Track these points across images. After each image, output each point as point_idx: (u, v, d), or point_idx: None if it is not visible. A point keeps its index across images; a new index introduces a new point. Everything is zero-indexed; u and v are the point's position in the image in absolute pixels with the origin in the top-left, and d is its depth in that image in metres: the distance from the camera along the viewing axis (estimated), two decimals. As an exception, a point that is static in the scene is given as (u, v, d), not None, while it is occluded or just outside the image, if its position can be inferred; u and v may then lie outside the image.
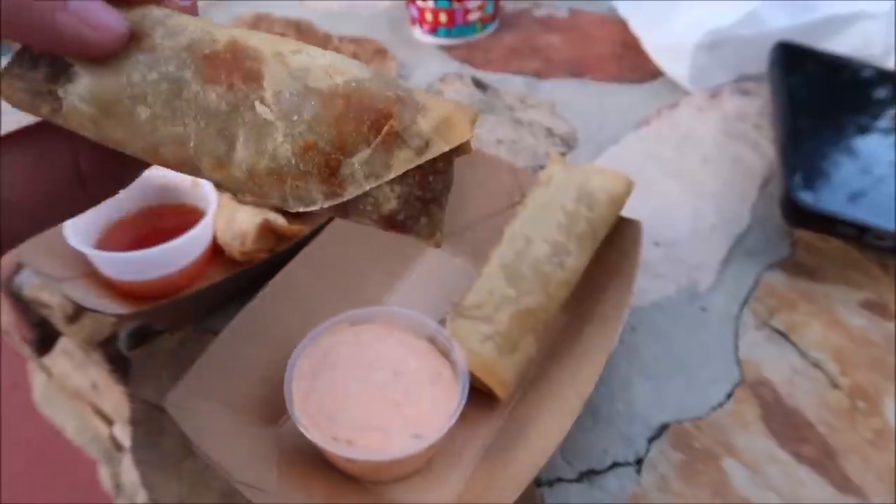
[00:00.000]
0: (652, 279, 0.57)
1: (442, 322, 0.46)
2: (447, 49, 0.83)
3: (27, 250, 0.51)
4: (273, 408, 0.45)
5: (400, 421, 0.41)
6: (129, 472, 1.00)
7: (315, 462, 0.43)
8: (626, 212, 0.52)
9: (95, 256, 0.50)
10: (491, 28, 0.86)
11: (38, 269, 0.49)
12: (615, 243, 0.51)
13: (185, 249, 0.51)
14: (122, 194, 0.50)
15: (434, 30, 0.83)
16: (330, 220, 0.52)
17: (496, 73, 0.78)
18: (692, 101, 0.75)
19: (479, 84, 0.75)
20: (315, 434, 0.39)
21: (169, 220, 0.57)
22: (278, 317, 0.47)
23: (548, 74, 0.77)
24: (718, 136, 0.71)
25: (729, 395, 0.49)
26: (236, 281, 0.50)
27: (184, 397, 0.41)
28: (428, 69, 0.79)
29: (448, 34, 0.83)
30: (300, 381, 0.42)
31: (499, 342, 0.45)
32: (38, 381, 1.14)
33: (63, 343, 0.71)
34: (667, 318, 0.54)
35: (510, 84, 0.76)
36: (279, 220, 0.53)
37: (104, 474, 1.29)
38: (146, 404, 0.48)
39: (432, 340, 0.45)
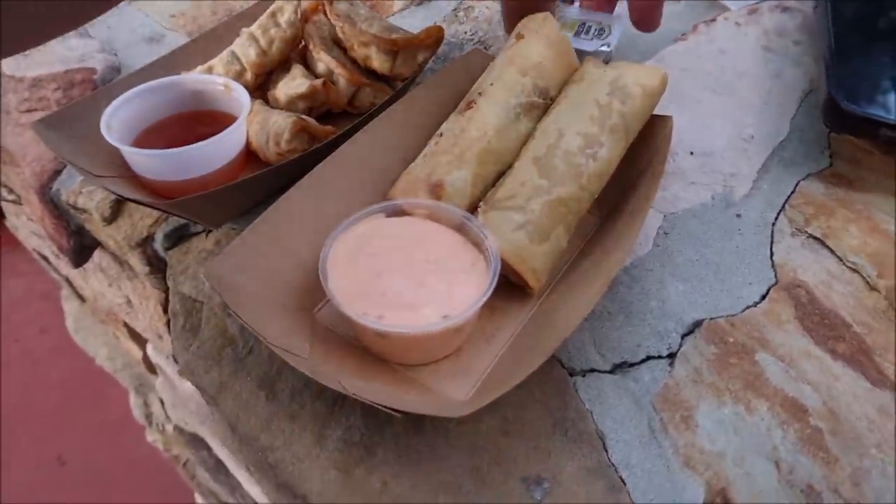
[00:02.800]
0: (686, 187, 0.56)
1: (475, 216, 0.46)
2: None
3: (66, 151, 0.51)
4: (307, 295, 0.46)
5: (430, 302, 0.41)
6: (163, 391, 1.03)
7: (347, 346, 0.44)
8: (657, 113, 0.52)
9: (132, 154, 0.51)
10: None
11: (78, 167, 0.49)
12: (647, 140, 0.50)
13: (219, 149, 0.52)
14: (156, 99, 0.51)
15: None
16: (360, 123, 0.52)
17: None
18: (730, 17, 0.73)
19: None
20: (348, 308, 0.39)
21: (202, 125, 0.57)
22: (314, 207, 0.47)
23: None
24: (757, 51, 0.69)
25: (763, 297, 0.49)
26: (270, 178, 0.50)
27: (224, 270, 0.42)
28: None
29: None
30: (335, 262, 0.43)
31: (530, 230, 0.44)
32: (70, 307, 1.17)
33: (98, 258, 0.72)
34: (701, 224, 0.53)
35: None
36: (313, 122, 0.53)
37: (135, 404, 1.34)
38: (185, 298, 0.49)
39: (465, 232, 0.45)
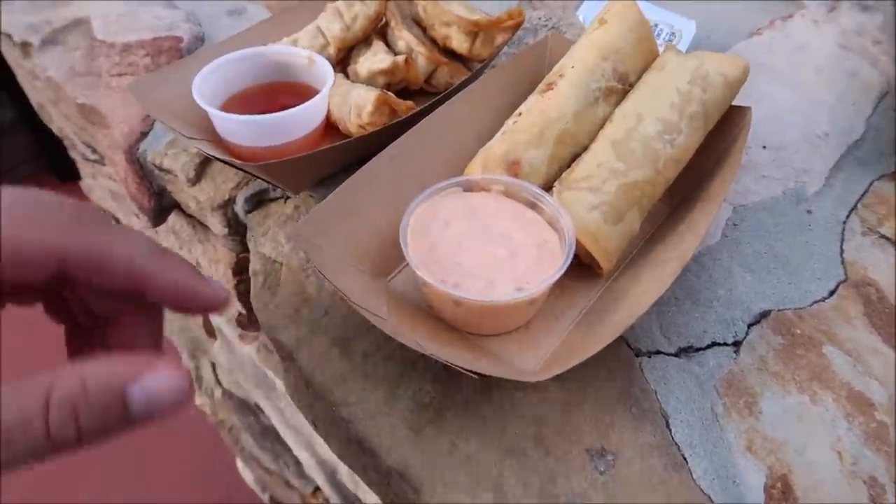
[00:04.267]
0: (758, 180, 0.56)
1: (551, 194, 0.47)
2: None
3: (158, 112, 0.54)
4: (383, 262, 0.48)
5: (505, 274, 0.42)
6: (219, 354, 1.06)
7: (420, 313, 0.45)
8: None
9: (220, 118, 0.53)
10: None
11: (171, 127, 0.52)
12: (724, 131, 0.50)
13: (303, 119, 0.54)
14: (242, 68, 0.53)
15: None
16: (438, 101, 0.53)
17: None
18: (808, 14, 0.72)
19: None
20: (427, 274, 0.41)
21: (285, 96, 0.59)
22: (393, 178, 0.49)
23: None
24: (835, 49, 0.68)
25: (832, 292, 0.49)
26: (351, 149, 0.52)
27: (309, 232, 0.44)
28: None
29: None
30: (414, 231, 0.44)
31: (605, 211, 0.45)
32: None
33: (172, 221, 0.75)
34: (771, 217, 0.54)
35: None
36: (393, 96, 0.54)
37: (185, 365, 1.38)
38: (265, 258, 0.52)
39: (539, 209, 0.46)
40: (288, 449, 1.08)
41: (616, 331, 0.39)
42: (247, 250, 0.59)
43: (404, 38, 0.58)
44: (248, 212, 0.56)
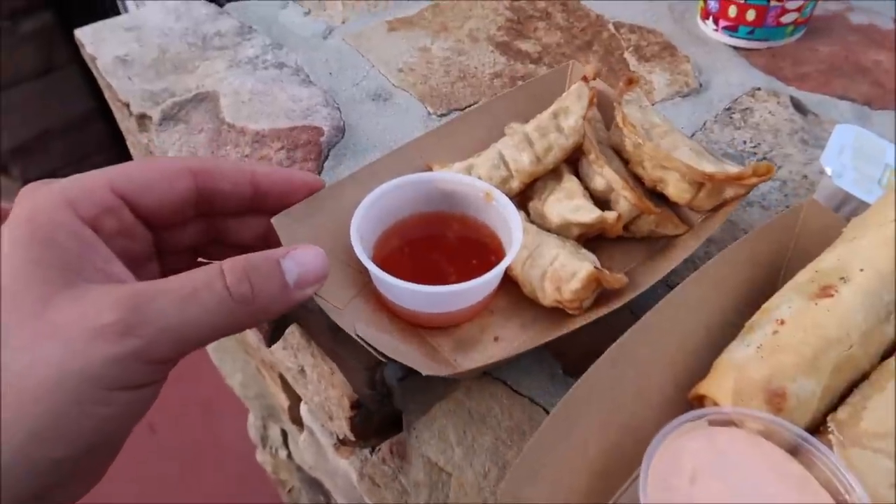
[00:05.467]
0: None
1: (826, 442, 0.35)
2: (746, 53, 0.70)
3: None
4: (591, 496, 0.37)
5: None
6: (306, 449, 0.97)
7: None
8: None
9: (381, 280, 0.43)
10: (799, 33, 0.72)
11: (324, 299, 0.42)
12: None
13: (478, 289, 0.43)
14: (406, 196, 0.49)
15: (734, 28, 0.70)
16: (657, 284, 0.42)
17: (814, 94, 0.64)
18: None
19: (798, 107, 0.62)
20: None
21: (450, 230, 0.49)
22: (610, 392, 0.38)
23: (881, 104, 0.63)
24: None
25: None
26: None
27: (516, 486, 0.33)
28: (729, 77, 0.66)
29: (750, 35, 0.69)
30: (653, 488, 0.33)
31: (913, 491, 0.33)
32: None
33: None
34: None
35: (833, 111, 0.62)
36: (597, 263, 0.44)
37: (252, 423, 1.30)
38: (430, 463, 0.41)
39: (809, 464, 0.35)
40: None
41: None
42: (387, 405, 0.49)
43: (606, 176, 0.47)
44: (401, 379, 0.46)
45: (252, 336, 0.75)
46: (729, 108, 0.62)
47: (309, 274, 0.36)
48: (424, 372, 0.39)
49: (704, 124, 0.61)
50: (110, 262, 0.33)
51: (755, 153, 0.57)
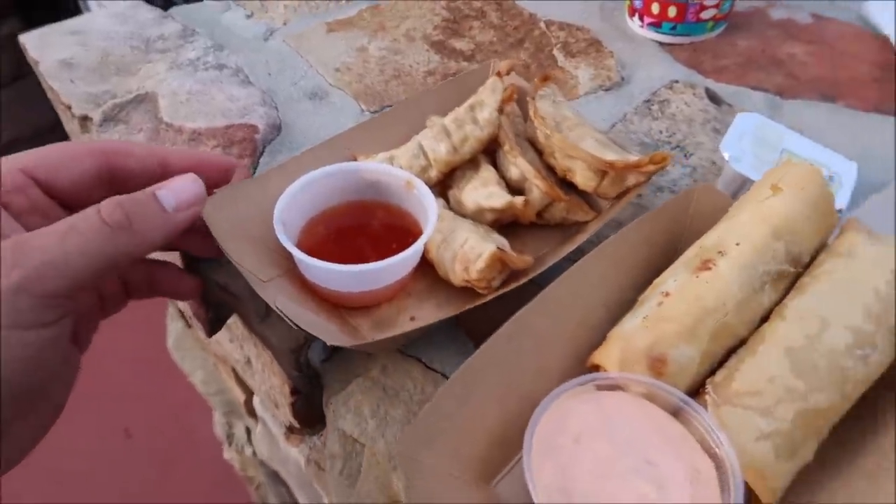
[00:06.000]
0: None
1: (703, 403, 0.38)
2: (669, 48, 0.73)
3: (230, 241, 0.46)
4: (488, 464, 0.40)
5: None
6: (261, 441, 0.99)
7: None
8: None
9: (302, 261, 0.45)
10: (720, 28, 0.75)
11: (247, 270, 0.44)
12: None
13: (397, 267, 0.46)
14: (331, 186, 0.50)
15: (658, 24, 0.73)
16: (567, 262, 0.45)
17: (730, 86, 0.67)
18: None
19: (713, 98, 0.65)
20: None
21: (375, 218, 0.52)
22: (508, 364, 0.40)
23: (793, 93, 0.66)
24: None
25: None
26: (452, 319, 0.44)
27: (412, 446, 0.36)
28: (651, 72, 0.69)
29: (673, 31, 0.73)
30: (539, 447, 0.36)
31: (778, 443, 0.36)
32: (173, 328, 1.15)
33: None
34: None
35: (747, 101, 0.66)
36: (505, 246, 0.46)
37: (218, 421, 1.31)
38: (345, 436, 0.44)
39: (686, 423, 0.38)
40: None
41: None
42: (316, 386, 0.51)
43: (520, 166, 0.50)
44: (325, 360, 0.49)
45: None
46: (648, 101, 0.65)
47: (186, 196, 0.39)
48: (329, 342, 0.41)
49: (625, 116, 0.64)
50: (15, 231, 0.36)
51: (669, 142, 0.61)
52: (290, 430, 0.74)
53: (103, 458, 1.75)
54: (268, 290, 0.45)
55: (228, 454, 1.33)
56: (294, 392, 0.61)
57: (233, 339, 0.73)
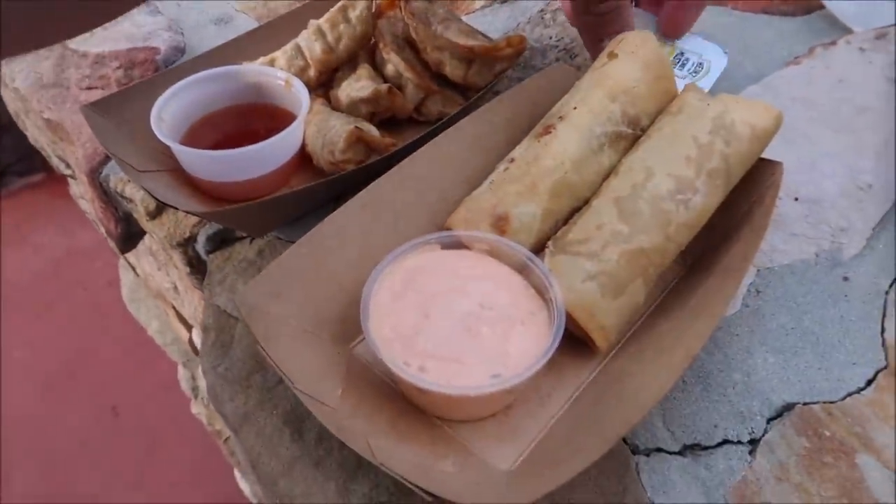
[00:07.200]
0: (787, 239, 0.49)
1: (542, 256, 0.41)
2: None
3: (111, 138, 0.49)
4: (347, 325, 0.42)
5: (480, 356, 0.36)
6: (202, 380, 1.01)
7: (384, 389, 0.39)
8: (765, 157, 0.45)
9: (180, 152, 0.47)
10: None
11: (120, 159, 0.46)
12: (749, 187, 0.43)
13: (272, 153, 0.48)
14: (214, 90, 0.48)
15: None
16: (423, 138, 0.47)
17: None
18: (853, 41, 0.64)
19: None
20: (387, 355, 0.35)
21: (258, 120, 0.54)
22: (362, 230, 0.43)
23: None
24: (882, 83, 0.60)
25: (869, 382, 0.42)
26: (320, 191, 0.46)
27: (256, 297, 0.38)
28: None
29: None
30: (379, 297, 0.38)
31: (603, 282, 0.39)
32: (125, 279, 1.17)
33: (148, 241, 0.70)
34: (801, 284, 0.47)
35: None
36: (372, 131, 0.48)
37: (182, 376, 1.34)
38: (219, 311, 0.46)
39: (528, 274, 0.40)
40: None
41: (608, 440, 0.33)
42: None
43: (393, 61, 0.52)
44: (210, 252, 0.51)
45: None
46: (542, 10, 0.67)
47: None
48: (182, 208, 0.45)
49: (518, 25, 0.66)
50: None
51: (557, 45, 0.62)
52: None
53: (91, 436, 1.78)
54: (143, 179, 0.47)
55: (196, 408, 1.35)
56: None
57: (160, 267, 0.75)
